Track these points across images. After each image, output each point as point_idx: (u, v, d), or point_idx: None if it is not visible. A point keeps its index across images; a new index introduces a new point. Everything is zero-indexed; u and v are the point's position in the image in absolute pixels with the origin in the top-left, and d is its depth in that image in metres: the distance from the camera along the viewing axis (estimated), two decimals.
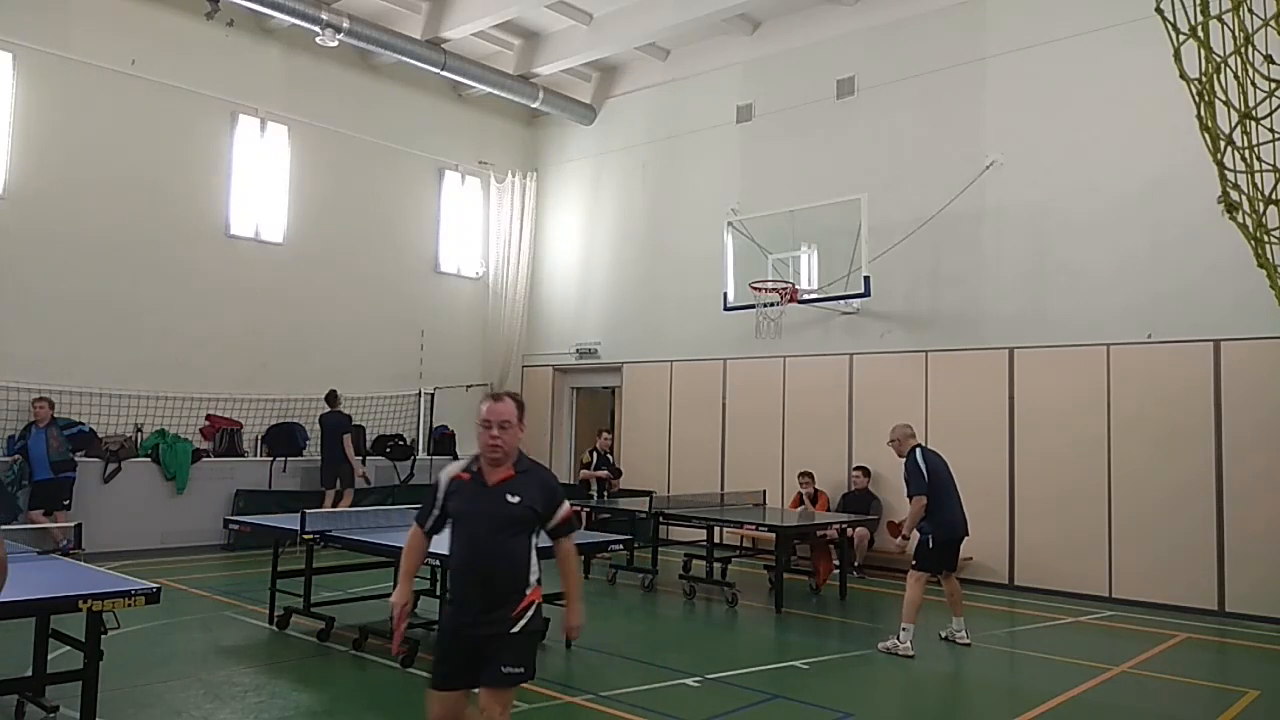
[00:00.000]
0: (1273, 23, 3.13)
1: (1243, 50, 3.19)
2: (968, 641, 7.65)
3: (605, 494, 12.73)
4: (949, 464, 7.74)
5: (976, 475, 10.55)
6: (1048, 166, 10.65)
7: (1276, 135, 3.38)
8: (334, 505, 11.60)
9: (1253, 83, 3.27)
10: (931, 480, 7.43)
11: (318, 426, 12.49)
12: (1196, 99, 3.40)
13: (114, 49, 11.53)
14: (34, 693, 5.01)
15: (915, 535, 7.57)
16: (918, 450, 7.59)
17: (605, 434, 13.40)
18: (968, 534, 7.70)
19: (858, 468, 11.52)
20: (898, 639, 7.28)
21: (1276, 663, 7.60)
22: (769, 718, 5.71)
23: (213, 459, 11.96)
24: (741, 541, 12.23)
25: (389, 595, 6.99)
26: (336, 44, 12.49)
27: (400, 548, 6.63)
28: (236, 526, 9.02)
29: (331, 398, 12.36)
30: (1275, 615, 8.84)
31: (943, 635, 7.80)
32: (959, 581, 7.94)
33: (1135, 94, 9.93)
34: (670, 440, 13.82)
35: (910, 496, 7.51)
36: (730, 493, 11.70)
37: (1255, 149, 3.44)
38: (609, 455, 13.22)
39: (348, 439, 12.06)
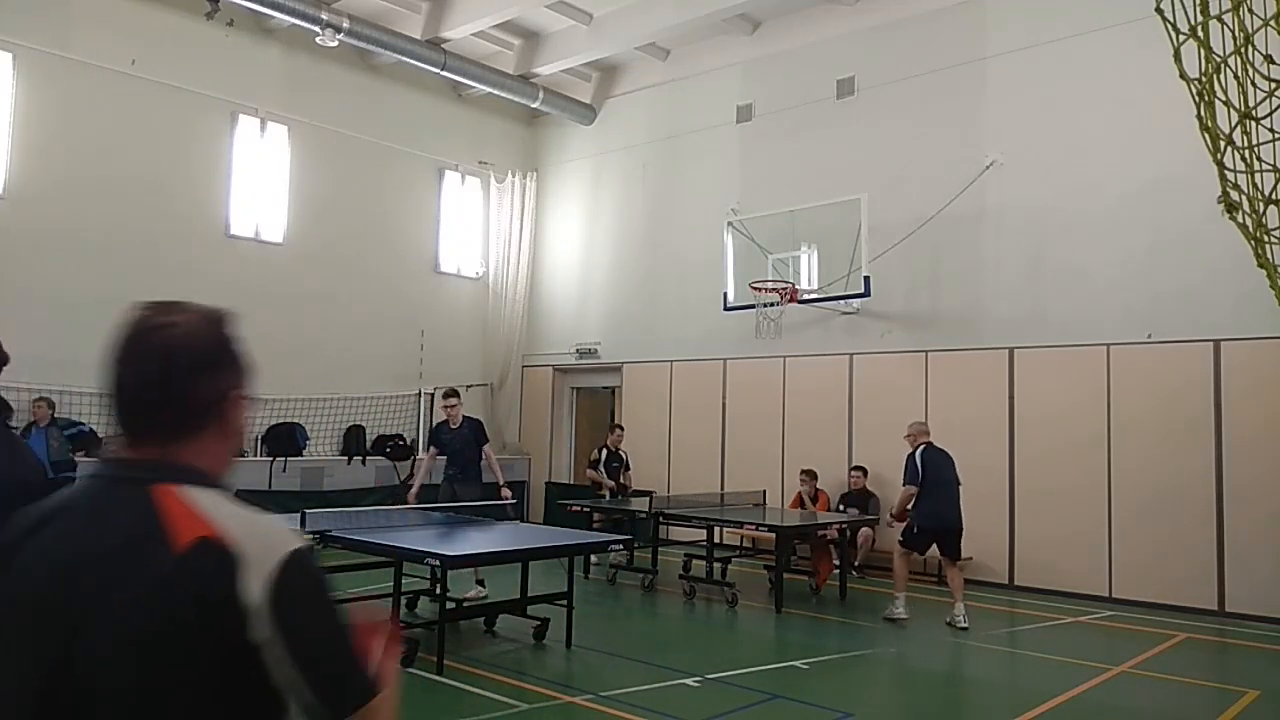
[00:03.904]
0: (1273, 23, 3.13)
1: (1243, 50, 3.19)
2: (965, 625, 8.15)
3: (618, 495, 12.18)
4: (955, 461, 8.66)
5: (976, 475, 10.53)
6: (1048, 166, 10.65)
7: (1276, 135, 3.38)
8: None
9: (1253, 83, 3.27)
10: (926, 475, 8.43)
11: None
12: (1196, 99, 3.40)
13: (114, 49, 11.52)
14: None
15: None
16: (921, 448, 8.58)
17: (619, 429, 12.71)
18: (958, 528, 8.48)
19: (855, 468, 11.51)
20: (893, 608, 8.47)
21: (1276, 663, 7.60)
22: (769, 718, 5.72)
23: None
24: (741, 541, 12.23)
25: (389, 595, 7.04)
26: (336, 44, 12.49)
27: (400, 547, 6.69)
28: None
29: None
30: (1275, 615, 8.84)
31: (947, 621, 8.33)
32: (960, 572, 8.70)
33: (1135, 94, 9.93)
34: (670, 440, 13.81)
35: (903, 484, 8.69)
36: (730, 493, 11.69)
37: (1255, 149, 3.44)
38: (620, 451, 12.55)
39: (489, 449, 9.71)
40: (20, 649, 1.20)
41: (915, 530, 8.50)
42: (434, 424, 10.27)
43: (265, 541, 1.27)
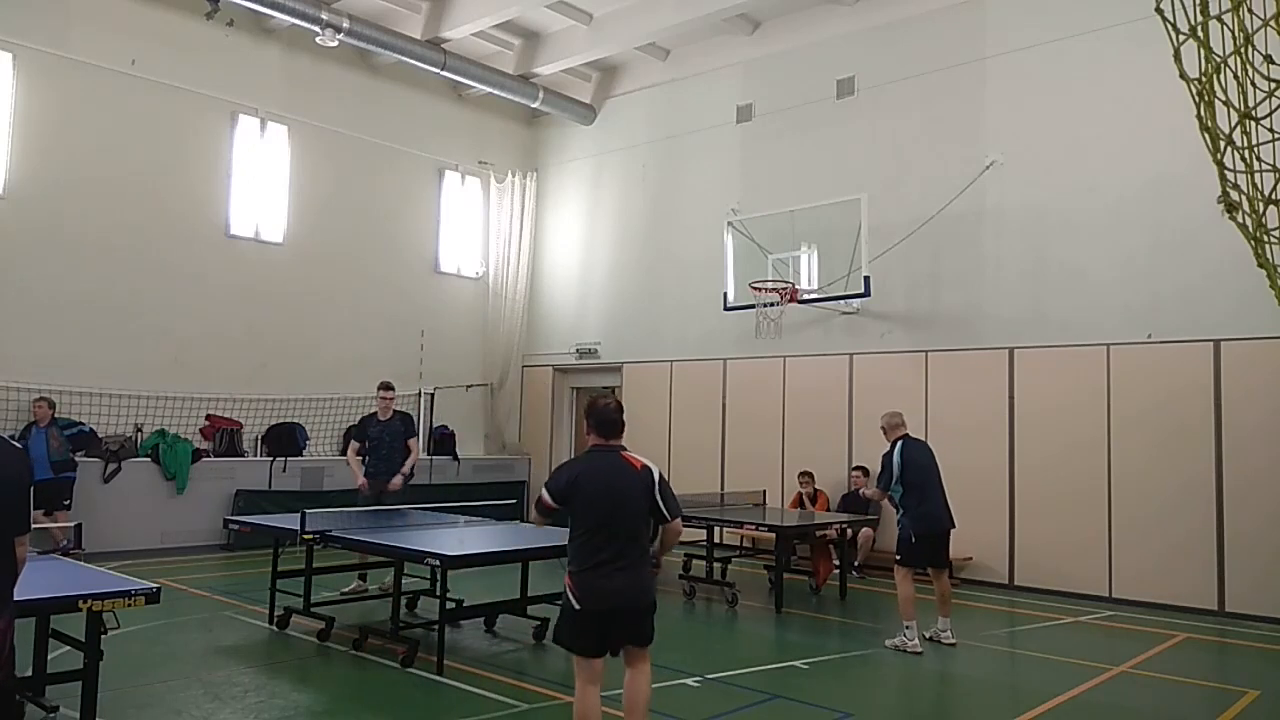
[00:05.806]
0: (1273, 23, 3.13)
1: (1243, 50, 3.19)
2: (953, 642, 7.57)
3: None
4: (936, 456, 7.81)
5: (976, 475, 10.56)
6: (1048, 166, 10.65)
7: (1276, 135, 3.38)
8: None
9: (1253, 83, 3.27)
10: (910, 475, 7.53)
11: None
12: (1196, 99, 3.40)
13: (114, 49, 11.53)
14: (34, 693, 5.01)
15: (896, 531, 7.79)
16: (899, 444, 7.65)
17: None
18: (953, 526, 7.73)
19: (856, 468, 11.52)
20: (904, 637, 7.36)
21: (1276, 663, 7.60)
22: (769, 718, 5.71)
23: (213, 459, 11.96)
24: (741, 541, 12.22)
25: (389, 595, 7.04)
26: (336, 44, 12.49)
27: (398, 547, 6.69)
28: (236, 526, 9.02)
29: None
30: (1275, 615, 8.84)
31: (927, 635, 7.67)
32: (950, 581, 7.94)
33: (1135, 94, 9.93)
34: (670, 440, 13.81)
35: (878, 484, 7.95)
36: (730, 493, 11.69)
37: (1255, 149, 3.44)
38: None
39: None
40: (598, 505, 4.44)
41: (913, 541, 7.49)
42: (362, 416, 9.94)
43: (654, 466, 4.60)
